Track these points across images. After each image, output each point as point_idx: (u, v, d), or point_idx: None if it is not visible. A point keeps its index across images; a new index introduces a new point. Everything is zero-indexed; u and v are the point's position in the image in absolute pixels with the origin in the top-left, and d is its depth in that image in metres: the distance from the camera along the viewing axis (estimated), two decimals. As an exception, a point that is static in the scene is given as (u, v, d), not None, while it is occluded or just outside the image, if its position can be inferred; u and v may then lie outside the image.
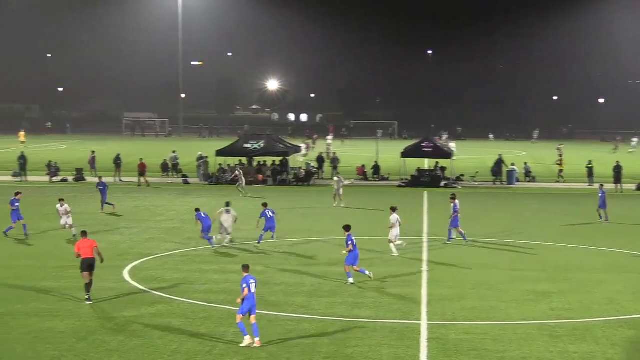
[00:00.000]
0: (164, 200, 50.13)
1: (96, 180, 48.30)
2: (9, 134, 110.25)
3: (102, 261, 25.16)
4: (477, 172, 64.46)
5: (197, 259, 31.84)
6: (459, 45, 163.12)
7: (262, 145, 60.81)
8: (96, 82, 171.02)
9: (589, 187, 58.04)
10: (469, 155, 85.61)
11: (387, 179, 63.75)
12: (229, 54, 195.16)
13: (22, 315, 23.30)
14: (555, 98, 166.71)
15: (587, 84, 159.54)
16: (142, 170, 58.55)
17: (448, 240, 35.46)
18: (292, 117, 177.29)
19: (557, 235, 38.04)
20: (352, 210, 45.65)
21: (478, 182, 62.25)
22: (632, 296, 26.30)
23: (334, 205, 47.19)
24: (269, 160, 63.42)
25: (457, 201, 35.40)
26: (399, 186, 59.74)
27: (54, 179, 61.12)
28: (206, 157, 62.98)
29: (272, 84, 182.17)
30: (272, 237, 34.61)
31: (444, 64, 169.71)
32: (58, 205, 36.26)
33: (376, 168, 65.46)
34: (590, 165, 61.99)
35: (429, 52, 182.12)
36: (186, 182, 60.93)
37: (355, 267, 27.50)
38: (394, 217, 32.45)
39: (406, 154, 62.93)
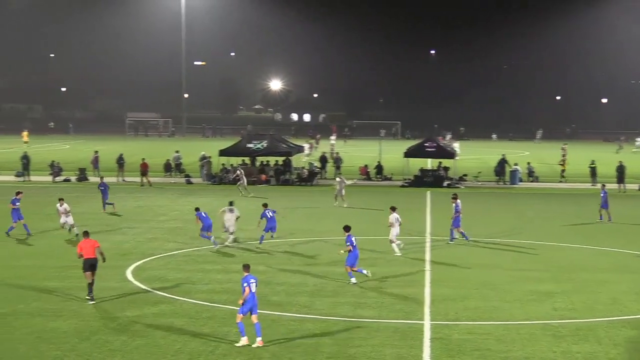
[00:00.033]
0: (167, 200, 50.14)
1: (98, 180, 48.33)
2: (12, 134, 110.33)
3: (104, 260, 25.18)
4: (480, 172, 64.43)
5: (200, 258, 31.85)
6: (462, 45, 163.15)
7: (265, 145, 60.83)
8: (99, 82, 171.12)
9: (592, 187, 57.97)
10: (472, 155, 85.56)
11: (390, 179, 63.72)
12: (232, 54, 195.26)
13: (25, 315, 23.32)
14: (558, 98, 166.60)
15: (589, 84, 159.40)
16: (144, 170, 58.68)
17: (451, 240, 35.43)
18: (295, 117, 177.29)
19: (561, 235, 38.01)
20: (355, 210, 45.64)
21: (481, 182, 62.22)
22: (636, 296, 26.27)
23: (335, 204, 47.19)
24: (271, 160, 63.42)
25: (458, 201, 35.38)
26: (402, 186, 59.72)
27: (57, 178, 61.17)
28: (209, 157, 63.01)
29: (275, 84, 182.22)
30: (272, 236, 34.61)
31: (446, 64, 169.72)
32: (58, 205, 36.31)
33: (379, 168, 65.44)
34: (593, 165, 61.94)
35: (432, 52, 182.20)
36: (189, 182, 60.95)
37: (353, 268, 27.51)
38: (393, 216, 32.49)
39: (409, 153, 62.91)
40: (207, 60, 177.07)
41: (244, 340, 20.56)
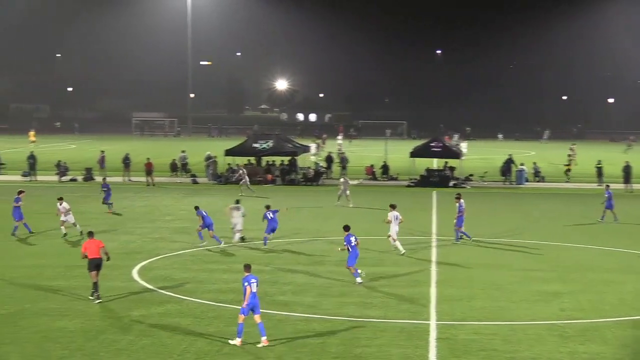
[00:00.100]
0: (173, 200, 50.19)
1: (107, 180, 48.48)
2: (19, 134, 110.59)
3: (108, 259, 25.19)
4: (486, 172, 64.37)
5: (206, 258, 31.88)
6: (468, 45, 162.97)
7: (270, 145, 60.88)
8: (105, 82, 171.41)
9: (599, 187, 57.85)
10: (478, 155, 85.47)
11: (396, 179, 63.69)
12: (238, 54, 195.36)
13: (32, 315, 23.35)
14: (564, 98, 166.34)
15: (596, 84, 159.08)
16: (149, 169, 58.94)
17: (457, 240, 35.42)
18: (301, 117, 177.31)
19: (566, 235, 37.96)
20: (361, 210, 45.63)
21: (487, 182, 62.16)
22: (642, 296, 26.23)
23: (337, 204, 47.18)
24: (277, 160, 63.44)
25: (462, 201, 35.38)
26: (408, 186, 59.68)
27: (63, 178, 61.30)
28: (215, 156, 63.07)
29: (281, 84, 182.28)
30: (271, 236, 34.69)
31: (452, 64, 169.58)
32: (57, 204, 36.35)
33: (385, 168, 65.42)
34: (599, 165, 61.86)
35: (438, 52, 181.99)
36: (195, 182, 61.01)
37: (350, 268, 27.52)
38: (392, 214, 32.55)
39: (415, 153, 62.89)
40: (213, 60, 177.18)
41: (237, 341, 20.56)
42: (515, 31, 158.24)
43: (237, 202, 35.52)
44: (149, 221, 41.44)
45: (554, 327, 22.61)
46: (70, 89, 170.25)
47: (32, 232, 36.39)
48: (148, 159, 60.24)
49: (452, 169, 61.42)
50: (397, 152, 76.06)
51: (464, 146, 78.74)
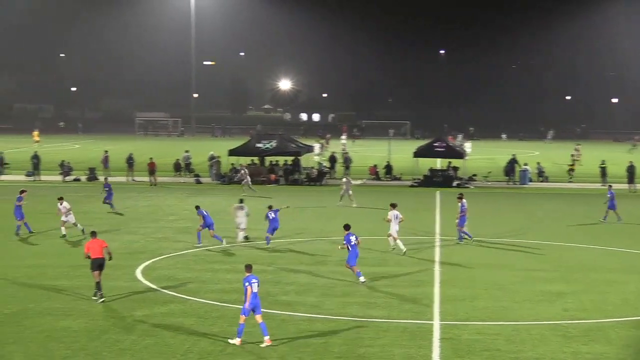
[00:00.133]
0: (176, 200, 50.23)
1: (109, 179, 48.54)
2: (23, 134, 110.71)
3: (110, 258, 25.20)
4: (490, 172, 64.35)
5: (209, 258, 31.89)
6: (472, 45, 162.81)
7: (274, 145, 60.89)
8: (109, 82, 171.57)
9: (602, 187, 57.78)
10: (482, 155, 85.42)
11: (399, 179, 63.67)
12: (242, 54, 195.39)
13: (35, 314, 23.38)
14: (568, 98, 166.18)
15: (600, 84, 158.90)
16: (151, 169, 59.12)
17: (459, 240, 35.41)
18: (304, 116, 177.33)
19: (569, 235, 37.93)
20: (364, 210, 45.61)
21: (491, 182, 62.13)
22: (646, 297, 26.21)
23: (339, 204, 47.18)
24: (280, 160, 63.45)
25: (464, 201, 35.38)
26: (411, 186, 59.67)
27: (67, 178, 61.39)
28: (218, 156, 63.12)
29: (285, 84, 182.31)
30: (272, 236, 34.74)
31: (456, 64, 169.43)
32: (58, 204, 36.34)
33: (388, 168, 65.40)
34: (603, 165, 61.80)
35: (441, 51, 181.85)
36: (198, 182, 61.06)
37: (348, 265, 27.60)
38: (392, 213, 32.62)
39: (418, 153, 62.86)
40: (217, 60, 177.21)
41: (236, 340, 20.56)
42: (519, 31, 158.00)
43: (241, 201, 35.65)
44: (152, 221, 41.48)
45: (558, 327, 22.59)
46: (73, 88, 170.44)
47: (32, 232, 36.45)
48: (151, 158, 60.43)
49: (455, 169, 61.39)
50: (400, 152, 76.03)
51: (468, 146, 78.73)
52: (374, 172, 64.71)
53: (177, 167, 66.09)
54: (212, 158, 63.71)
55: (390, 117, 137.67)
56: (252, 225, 35.98)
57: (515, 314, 23.93)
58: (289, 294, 25.93)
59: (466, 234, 35.45)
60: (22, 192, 37.20)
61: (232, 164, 61.52)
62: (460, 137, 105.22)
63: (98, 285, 24.81)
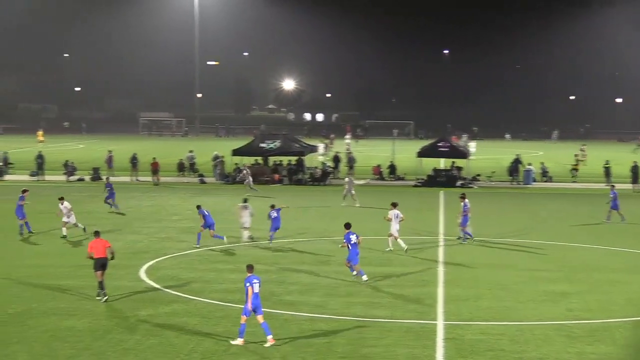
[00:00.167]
0: (180, 200, 50.25)
1: (111, 179, 48.56)
2: (27, 134, 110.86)
3: (112, 258, 25.20)
4: (494, 172, 64.32)
5: (213, 258, 31.91)
6: (475, 44, 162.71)
7: (278, 144, 60.91)
8: (113, 82, 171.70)
9: (606, 187, 57.68)
10: (485, 155, 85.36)
11: (403, 179, 63.66)
12: (245, 54, 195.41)
13: (39, 314, 23.41)
14: (572, 98, 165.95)
15: (604, 84, 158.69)
16: (154, 169, 59.24)
17: (464, 240, 35.39)
18: (308, 116, 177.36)
19: (573, 235, 37.89)
20: (367, 209, 45.58)
21: (494, 182, 62.09)
22: (650, 297, 26.16)
23: (343, 204, 47.19)
24: (284, 160, 63.46)
25: (466, 201, 35.38)
26: (415, 186, 59.65)
27: (71, 178, 61.46)
28: (222, 156, 63.15)
29: (288, 84, 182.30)
30: (275, 234, 34.79)
31: (459, 64, 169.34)
32: (59, 204, 36.23)
33: (392, 168, 65.38)
34: (607, 165, 61.73)
35: (445, 51, 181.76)
36: (202, 182, 61.10)
37: (348, 263, 27.71)
38: (393, 212, 32.67)
39: (422, 153, 62.84)
40: (221, 60, 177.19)
41: (239, 341, 20.57)
42: (523, 31, 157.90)
43: (245, 201, 35.70)
44: (156, 221, 41.51)
45: (562, 327, 22.57)
46: (78, 89, 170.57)
47: (32, 232, 36.45)
48: (154, 158, 60.54)
49: (459, 168, 61.37)
50: (404, 152, 75.98)
51: (472, 146, 78.74)
52: (377, 172, 64.71)
53: (181, 167, 66.15)
54: (216, 158, 63.76)
55: (394, 117, 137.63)
56: (256, 225, 35.97)
57: (519, 314, 23.90)
58: (293, 294, 25.93)
59: (467, 233, 35.44)
60: (24, 191, 37.28)
61: (236, 163, 61.55)
62: (465, 137, 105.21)
63: (101, 285, 24.85)
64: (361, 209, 45.73)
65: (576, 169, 65.74)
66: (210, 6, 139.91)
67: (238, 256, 32.17)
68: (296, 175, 60.79)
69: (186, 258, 31.76)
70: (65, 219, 35.87)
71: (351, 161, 66.38)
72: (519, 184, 61.48)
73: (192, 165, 66.20)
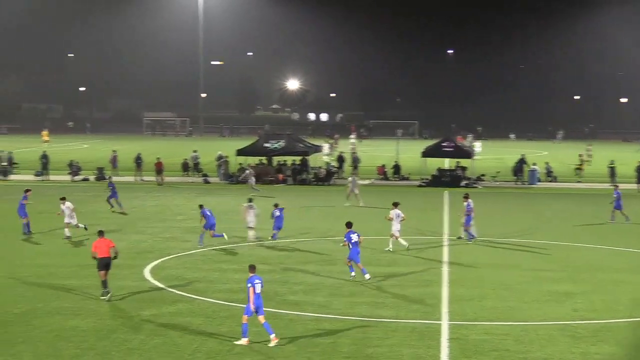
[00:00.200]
0: (184, 200, 50.28)
1: (115, 179, 48.64)
2: (32, 134, 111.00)
3: (115, 257, 25.21)
4: (498, 172, 64.25)
5: (217, 258, 31.92)
6: (479, 44, 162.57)
7: (282, 144, 60.91)
8: (117, 81, 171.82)
9: (611, 187, 57.60)
10: (490, 155, 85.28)
11: (407, 179, 63.63)
12: (250, 54, 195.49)
13: (44, 314, 23.44)
14: (576, 98, 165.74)
15: (608, 84, 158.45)
16: (158, 169, 59.31)
17: (469, 240, 35.37)
18: (312, 116, 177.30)
19: (577, 235, 37.85)
20: (371, 209, 45.55)
21: (499, 182, 62.04)
22: (655, 297, 26.11)
23: (347, 204, 47.17)
24: (289, 159, 63.46)
25: (470, 201, 35.37)
26: (420, 186, 59.62)
27: (76, 178, 61.54)
28: (226, 156, 63.17)
29: (293, 84, 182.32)
30: (273, 236, 34.80)
31: (464, 64, 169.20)
32: (61, 205, 36.02)
33: (396, 168, 65.37)
34: (612, 165, 61.65)
35: (450, 51, 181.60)
36: (207, 182, 61.13)
37: (349, 262, 27.74)
38: (394, 212, 32.74)
39: (427, 153, 62.81)
40: (225, 60, 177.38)
41: (243, 341, 20.57)
42: (527, 31, 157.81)
43: (250, 200, 35.75)
44: (160, 220, 41.54)
45: (566, 327, 22.54)
46: (82, 88, 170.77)
47: (32, 233, 36.34)
48: (158, 158, 60.60)
49: (463, 168, 61.32)
50: (408, 152, 75.95)
51: (478, 146, 78.68)
52: (382, 172, 64.69)
53: (185, 167, 66.18)
54: (220, 158, 63.77)
55: (398, 116, 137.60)
56: (261, 225, 35.97)
57: (524, 314, 23.88)
58: (297, 294, 25.93)
59: (470, 234, 35.40)
60: (26, 191, 37.36)
61: (240, 163, 61.57)
62: (470, 137, 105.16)
63: (104, 284, 24.87)
64: (365, 209, 45.71)
65: (580, 169, 65.66)
66: (214, 6, 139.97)
67: (242, 256, 32.18)
68: (300, 175, 60.79)
69: (190, 258, 31.77)
70: (67, 220, 35.64)
71: (355, 161, 66.37)
72: (524, 184, 61.41)
73: (196, 165, 66.24)
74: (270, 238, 34.78)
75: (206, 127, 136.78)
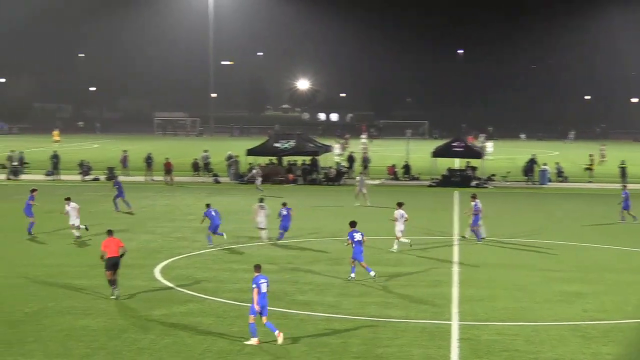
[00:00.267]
0: (195, 199, 50.30)
1: (126, 179, 48.69)
2: (42, 134, 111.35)
3: (122, 255, 25.22)
4: (508, 172, 64.12)
5: (227, 257, 31.93)
6: (490, 44, 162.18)
7: (292, 144, 60.92)
8: (127, 81, 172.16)
9: (622, 187, 57.42)
10: (501, 155, 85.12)
11: (417, 179, 63.56)
12: (260, 54, 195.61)
13: (55, 313, 23.50)
14: (587, 98, 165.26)
15: (619, 84, 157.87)
16: (168, 169, 59.40)
17: (479, 240, 35.30)
18: (322, 116, 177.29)
19: (588, 236, 37.73)
20: (380, 209, 45.45)
21: (509, 182, 61.91)
22: (666, 298, 26.00)
23: (356, 204, 47.14)
24: (299, 159, 63.47)
25: (477, 201, 35.32)
26: (430, 186, 59.54)
27: (86, 177, 61.69)
28: (236, 156, 63.21)
29: (303, 84, 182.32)
30: (279, 237, 34.77)
31: (474, 64, 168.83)
32: (66, 205, 35.78)
33: (406, 168, 65.29)
34: (623, 165, 61.45)
35: (460, 51, 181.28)
36: (217, 182, 61.19)
37: (352, 262, 27.76)
38: (398, 212, 32.71)
39: (437, 153, 62.74)
40: (235, 60, 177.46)
41: (253, 341, 20.58)
42: (538, 30, 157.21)
43: (261, 200, 35.71)
44: (170, 220, 41.59)
45: (577, 328, 22.48)
46: (92, 88, 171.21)
47: (31, 234, 36.31)
48: (167, 158, 60.70)
49: (473, 168, 61.22)
50: (418, 152, 75.84)
51: (489, 146, 78.52)
52: (392, 172, 64.65)
53: (196, 167, 66.26)
54: (230, 158, 63.82)
55: (409, 117, 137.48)
56: (270, 224, 35.94)
57: (535, 315, 23.82)
58: (307, 294, 25.93)
59: (477, 234, 35.32)
60: (33, 190, 37.38)
61: (250, 163, 61.60)
62: (482, 137, 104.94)
63: (111, 282, 24.93)
64: (374, 209, 45.66)
65: (590, 169, 65.47)
66: (224, 6, 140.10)
67: (252, 256, 32.15)
68: (310, 175, 60.78)
69: (200, 258, 31.80)
70: (72, 221, 35.24)
71: (366, 161, 66.34)
72: (534, 184, 61.27)
73: (207, 165, 66.30)
74: (277, 238, 34.70)
75: (216, 127, 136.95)
